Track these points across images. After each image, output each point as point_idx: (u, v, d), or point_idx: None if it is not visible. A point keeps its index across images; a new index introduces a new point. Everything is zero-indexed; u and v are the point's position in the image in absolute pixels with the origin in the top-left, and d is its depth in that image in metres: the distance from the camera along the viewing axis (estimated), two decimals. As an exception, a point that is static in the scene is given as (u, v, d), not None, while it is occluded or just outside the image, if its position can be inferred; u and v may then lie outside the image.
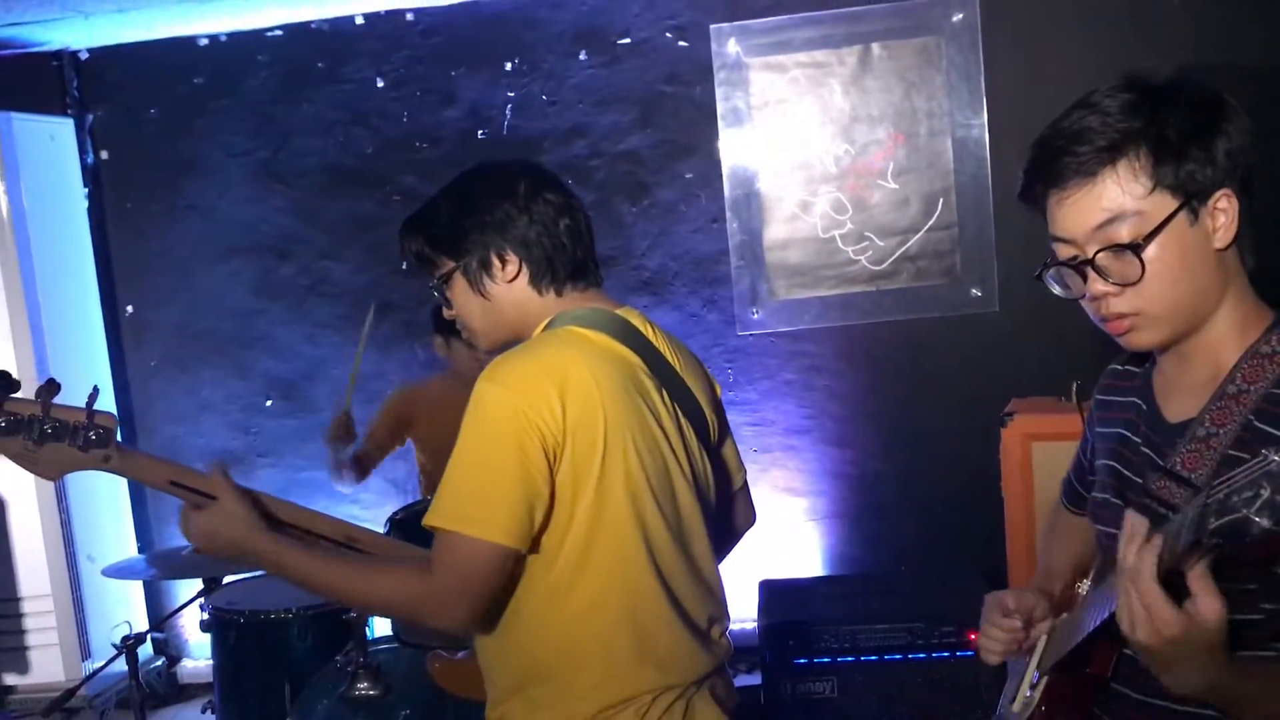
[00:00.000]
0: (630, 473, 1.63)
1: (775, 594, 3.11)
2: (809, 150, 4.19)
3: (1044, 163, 1.32)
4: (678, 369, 1.79)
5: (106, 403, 4.44)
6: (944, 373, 4.21)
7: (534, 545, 1.63)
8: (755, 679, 3.00)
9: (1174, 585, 1.14)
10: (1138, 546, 1.16)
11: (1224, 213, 1.28)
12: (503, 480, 1.56)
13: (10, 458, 1.68)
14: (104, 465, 1.71)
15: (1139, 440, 1.42)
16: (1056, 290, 1.38)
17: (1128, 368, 1.53)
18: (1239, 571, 1.17)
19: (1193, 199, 1.27)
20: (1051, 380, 3.68)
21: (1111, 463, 1.46)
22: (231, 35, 4.40)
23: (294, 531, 1.77)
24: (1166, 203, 1.27)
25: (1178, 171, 1.26)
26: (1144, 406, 1.44)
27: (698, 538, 1.77)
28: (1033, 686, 1.45)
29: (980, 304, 4.17)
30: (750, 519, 2.07)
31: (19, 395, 1.67)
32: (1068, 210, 1.31)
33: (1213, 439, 1.28)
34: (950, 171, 4.15)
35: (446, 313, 1.86)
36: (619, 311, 1.77)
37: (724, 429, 1.94)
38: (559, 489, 1.60)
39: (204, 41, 4.42)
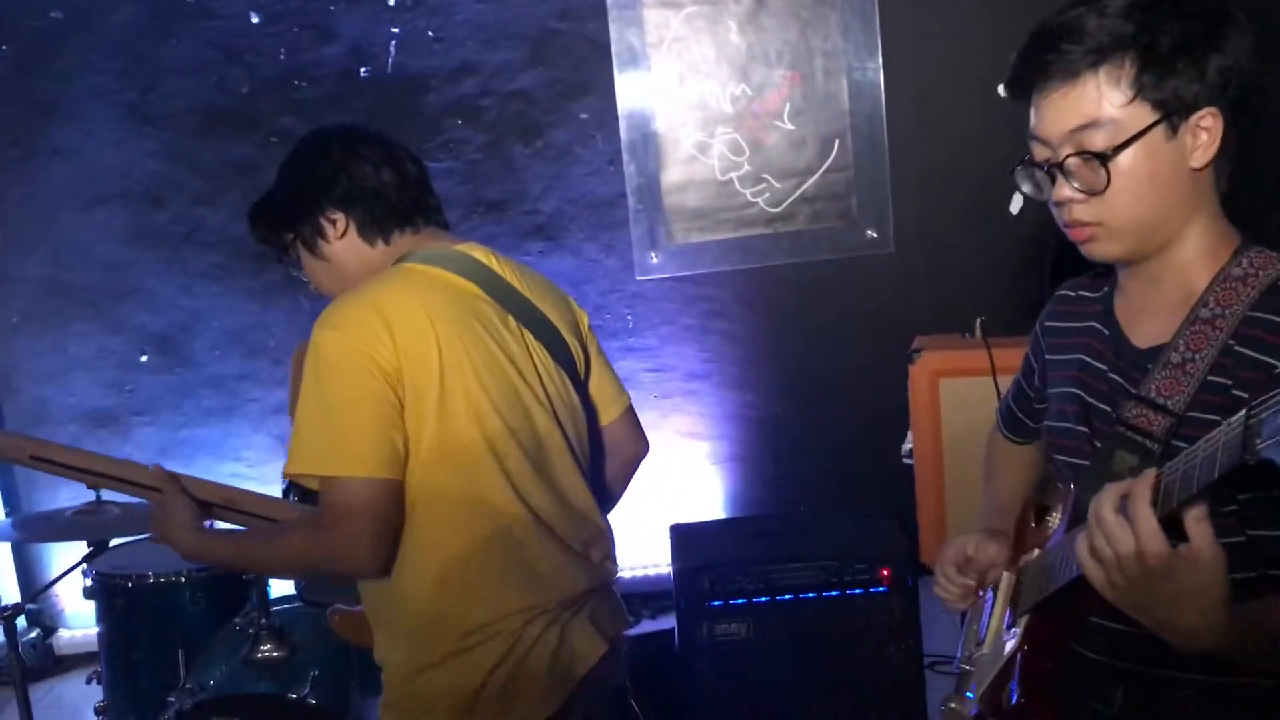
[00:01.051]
0: (471, 395, 1.67)
1: (686, 537, 3.08)
2: (705, 90, 4.13)
3: (1033, 55, 1.29)
4: (527, 295, 1.84)
5: (-35, 361, 4.16)
6: (842, 315, 4.23)
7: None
8: (670, 623, 2.97)
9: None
10: (1119, 485, 1.11)
11: (1206, 131, 1.25)
12: (358, 415, 1.60)
13: None
14: None
15: (1104, 367, 1.39)
16: (1025, 189, 1.34)
17: (1080, 293, 1.49)
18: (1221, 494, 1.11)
19: (1173, 114, 1.23)
20: (949, 320, 3.72)
21: (1074, 390, 1.42)
22: (91, -34, 4.11)
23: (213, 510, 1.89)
24: (1144, 114, 1.23)
25: (1161, 84, 1.23)
26: (1106, 332, 1.41)
27: (558, 458, 1.79)
28: (1009, 628, 1.42)
29: (876, 245, 4.19)
30: (641, 448, 2.08)
31: None
32: (1046, 109, 1.28)
33: (1189, 364, 1.24)
34: (846, 113, 4.14)
35: (310, 287, 1.96)
36: (458, 247, 1.84)
37: (595, 357, 1.99)
38: (406, 417, 1.64)
39: (61, -28, 4.12)
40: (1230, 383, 1.21)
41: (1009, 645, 1.38)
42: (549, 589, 1.73)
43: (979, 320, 3.15)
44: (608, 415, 2.00)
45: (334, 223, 1.83)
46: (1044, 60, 1.27)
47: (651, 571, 4.07)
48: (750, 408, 4.33)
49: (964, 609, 1.63)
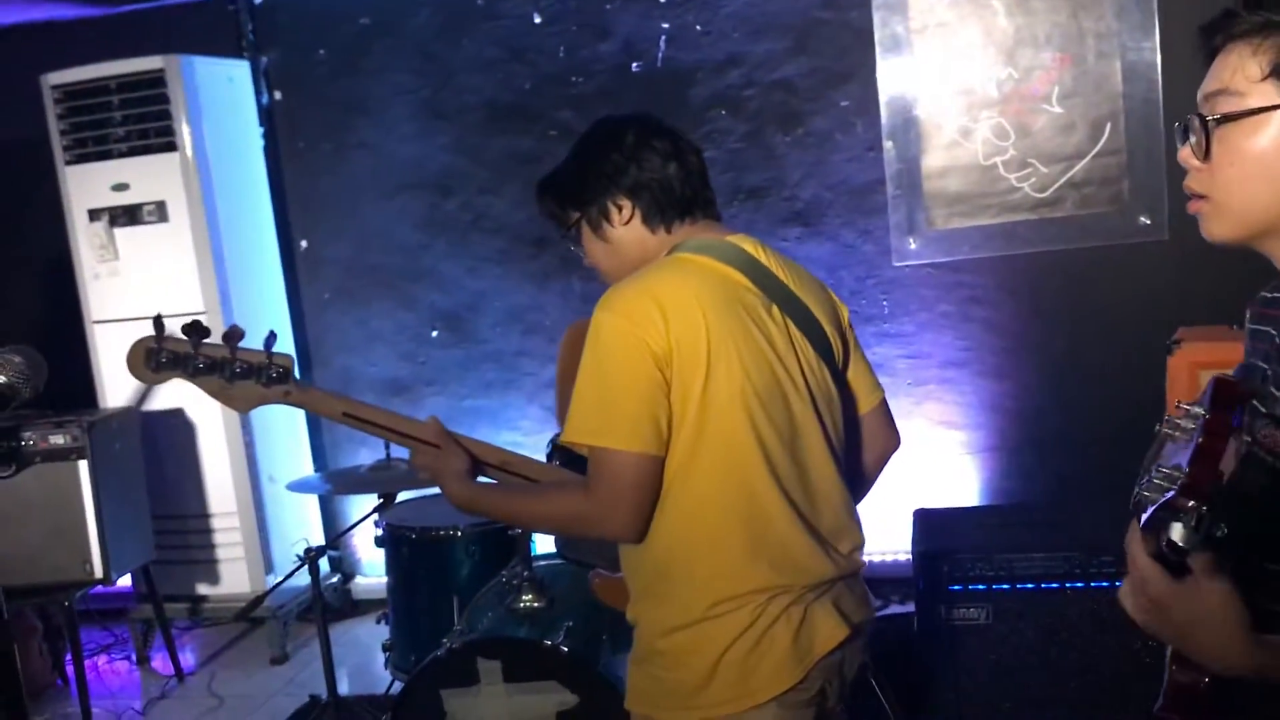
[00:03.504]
0: (735, 380, 1.75)
1: (929, 522, 3.11)
2: (970, 75, 4.09)
3: (1228, 10, 1.27)
4: (791, 287, 1.90)
5: (284, 334, 4.69)
6: (1110, 304, 4.09)
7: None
8: (909, 607, 3.01)
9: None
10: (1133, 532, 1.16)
11: None
12: (630, 394, 1.72)
13: (210, 394, 1.92)
14: (285, 399, 1.95)
15: (1272, 374, 1.33)
16: (1178, 143, 1.32)
17: (1275, 295, 1.42)
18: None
19: None
20: (1223, 310, 3.52)
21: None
22: (394, -24, 4.52)
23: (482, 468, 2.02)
24: (1270, 95, 1.20)
25: None
26: (1277, 337, 1.35)
27: (813, 448, 1.85)
28: None
29: (1149, 232, 4.02)
30: (893, 441, 2.11)
31: (209, 340, 1.90)
32: (1211, 68, 1.27)
33: None
34: (1119, 95, 4.00)
35: (585, 261, 2.05)
36: (730, 238, 1.91)
37: (853, 349, 2.03)
38: (674, 398, 1.74)
39: (365, -18, 4.56)
40: None
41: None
42: (797, 572, 1.79)
43: (1248, 311, 2.99)
44: (863, 407, 2.04)
45: (621, 209, 1.92)
46: (1224, 19, 1.26)
47: (901, 557, 4.08)
48: (1009, 398, 4.25)
49: None
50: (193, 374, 1.89)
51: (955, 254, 4.20)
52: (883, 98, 4.16)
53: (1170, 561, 1.11)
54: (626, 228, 1.94)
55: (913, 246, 4.23)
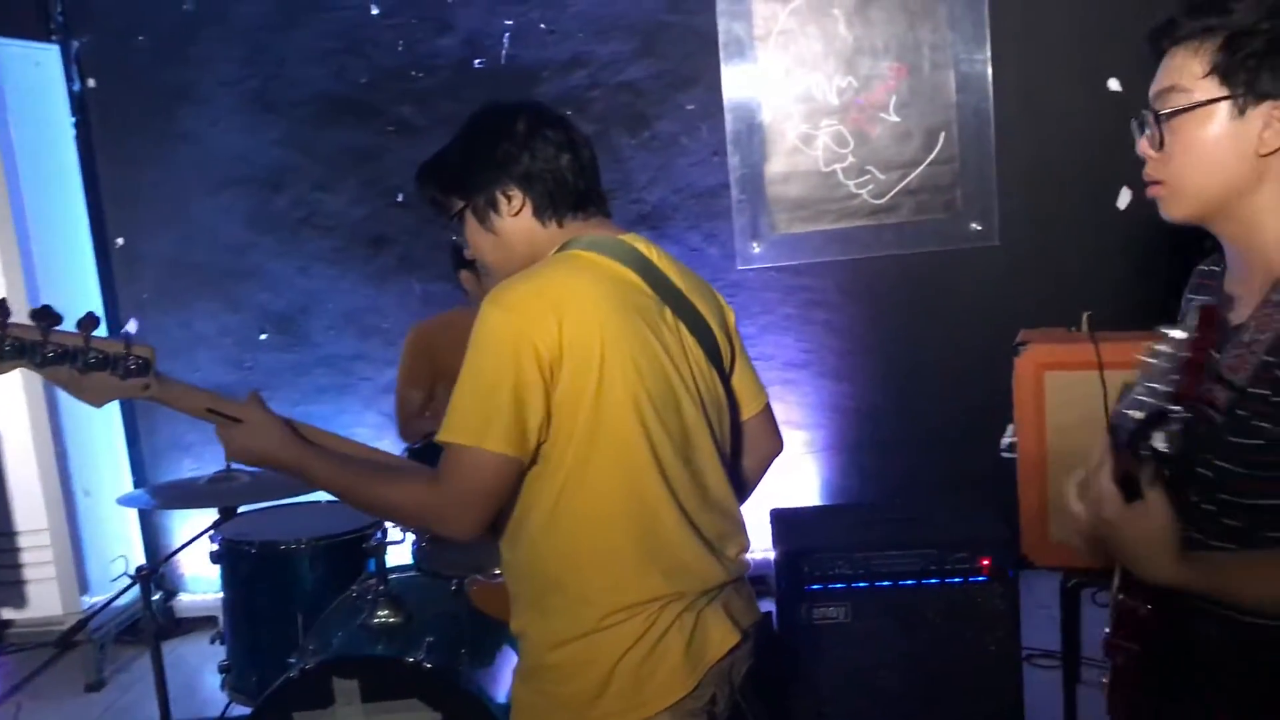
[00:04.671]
0: (630, 385, 1.69)
1: (786, 522, 3.14)
2: (811, 82, 4.17)
3: (1171, 17, 1.40)
4: (683, 290, 1.86)
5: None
6: (944, 307, 4.24)
7: (538, 458, 1.70)
8: (769, 605, 3.02)
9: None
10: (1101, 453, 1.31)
11: (1277, 121, 1.34)
12: (497, 393, 1.65)
13: (60, 384, 1.78)
14: (144, 394, 1.80)
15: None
16: (1135, 137, 1.45)
17: (1211, 267, 1.58)
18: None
19: (1241, 97, 1.34)
20: (1054, 313, 3.68)
21: None
22: (223, -40, 4.30)
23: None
24: (1212, 89, 1.35)
25: (1237, 67, 1.33)
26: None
27: (703, 452, 1.82)
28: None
29: (981, 238, 4.19)
30: (776, 445, 2.11)
31: (62, 328, 1.76)
32: (1160, 68, 1.42)
33: (1254, 344, 1.32)
34: (953, 105, 4.15)
35: (466, 252, 1.95)
36: (622, 237, 1.85)
37: (739, 354, 2.00)
38: (560, 403, 1.68)
39: (194, -34, 4.32)
40: (1278, 363, 1.31)
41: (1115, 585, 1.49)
42: (689, 579, 1.76)
43: (1085, 315, 3.13)
44: (747, 411, 2.01)
45: (510, 199, 1.83)
46: (1168, 25, 1.40)
47: (752, 556, 4.11)
48: (848, 398, 4.36)
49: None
50: (41, 363, 1.73)
51: (797, 258, 4.28)
52: (727, 103, 4.20)
53: (1128, 488, 1.27)
54: (515, 219, 1.85)
55: (756, 250, 4.28)
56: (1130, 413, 1.21)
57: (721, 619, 1.80)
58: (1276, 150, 1.35)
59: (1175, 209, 1.43)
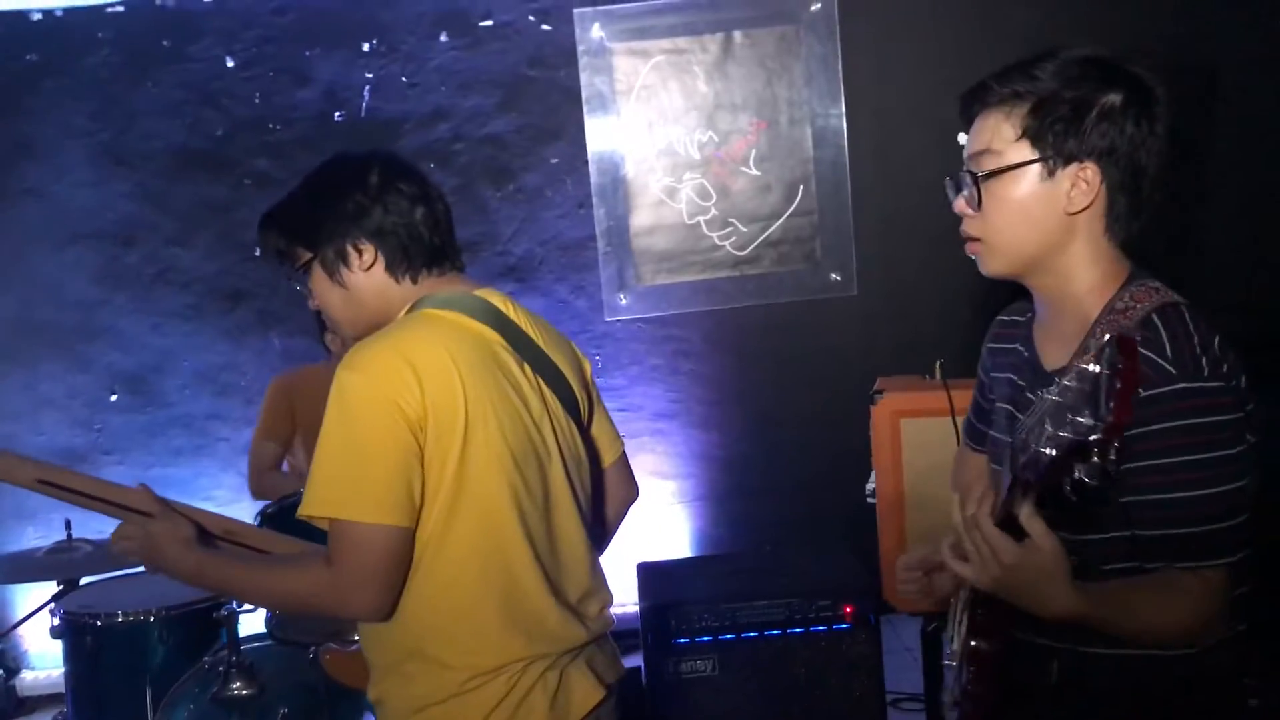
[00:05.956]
0: (493, 445, 1.66)
1: (653, 575, 3.13)
2: (673, 136, 4.23)
3: (982, 82, 1.47)
4: (541, 344, 1.84)
5: (-66, 400, 4.16)
6: (807, 355, 4.31)
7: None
8: (637, 660, 3.00)
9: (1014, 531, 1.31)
10: (974, 499, 1.35)
11: (1086, 183, 1.42)
12: (379, 462, 1.59)
13: None
14: None
15: (1024, 385, 1.55)
16: (950, 195, 1.52)
17: (1013, 317, 1.66)
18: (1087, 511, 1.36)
19: (1050, 159, 1.41)
20: (910, 360, 3.79)
21: (1007, 406, 1.59)
22: (68, 10, 4.16)
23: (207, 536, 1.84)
24: (1024, 152, 1.43)
25: (1045, 131, 1.41)
26: (1025, 354, 1.58)
27: (564, 510, 1.79)
28: (958, 627, 1.52)
29: (840, 288, 4.28)
30: (632, 493, 2.10)
31: None
32: (972, 130, 1.49)
33: None
34: (810, 159, 4.25)
35: (311, 304, 1.88)
36: (478, 293, 1.82)
37: (596, 404, 1.99)
38: (425, 465, 1.64)
39: (37, 16, 4.16)
40: None
41: (959, 642, 1.50)
42: (551, 641, 1.73)
43: (938, 362, 3.22)
44: (605, 461, 2.00)
45: (361, 253, 1.77)
46: (979, 89, 1.48)
47: (619, 610, 4.09)
48: (717, 447, 4.39)
49: (926, 607, 1.78)
50: None
51: (663, 309, 4.31)
52: (591, 156, 4.22)
53: (1012, 529, 1.30)
54: (367, 274, 1.78)
55: (623, 302, 4.30)
56: (1042, 449, 1.21)
57: (585, 676, 1.77)
58: (1084, 209, 1.43)
59: (993, 265, 1.50)
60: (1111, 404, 1.14)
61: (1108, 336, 1.18)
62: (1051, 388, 1.21)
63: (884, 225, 4.27)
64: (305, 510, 1.61)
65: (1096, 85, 1.42)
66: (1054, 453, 1.19)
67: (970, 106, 1.49)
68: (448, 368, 1.65)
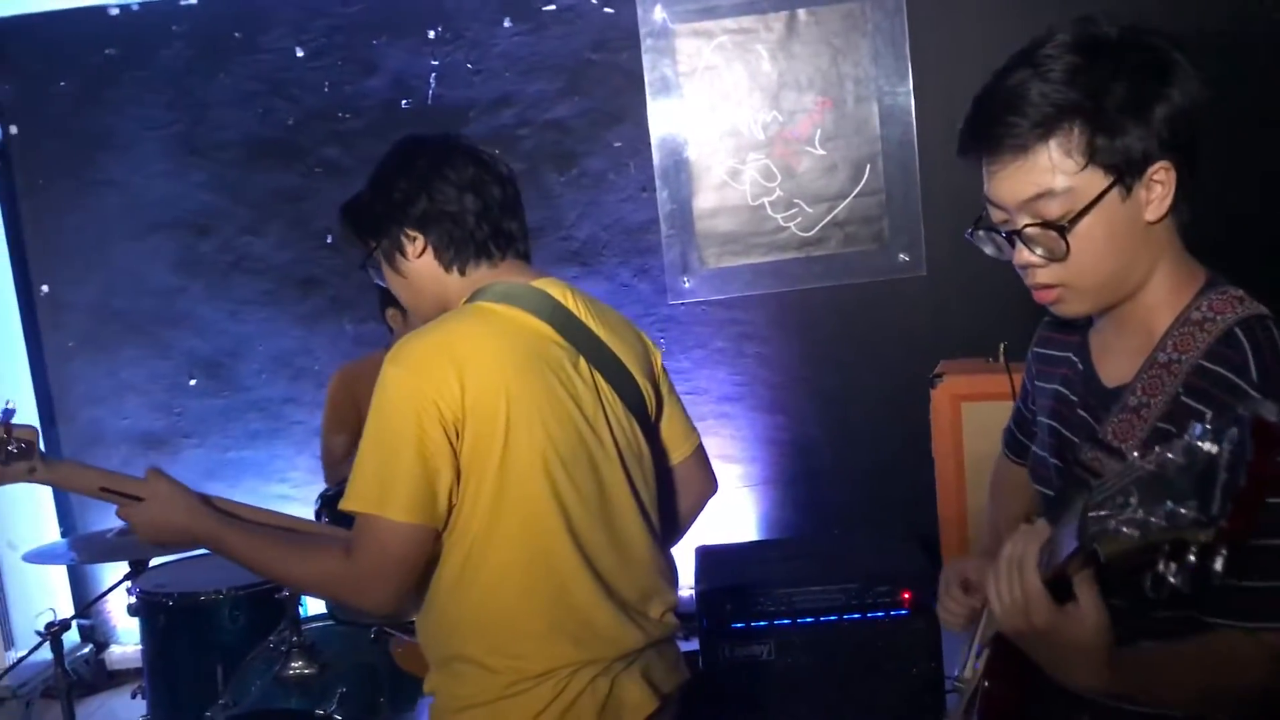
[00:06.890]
0: (537, 446, 1.64)
1: (711, 559, 3.13)
2: (737, 117, 4.19)
3: (981, 126, 1.28)
4: (602, 337, 1.79)
5: (24, 387, 4.32)
6: (873, 337, 4.25)
7: (447, 523, 1.65)
8: (693, 645, 3.00)
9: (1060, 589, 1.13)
10: (1023, 536, 1.16)
11: (1161, 184, 1.24)
12: (399, 458, 1.59)
13: None
14: (30, 477, 1.82)
15: (1076, 400, 1.39)
16: (987, 250, 1.34)
17: (1065, 322, 1.47)
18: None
19: (1126, 175, 1.23)
20: (979, 342, 3.73)
21: (1052, 422, 1.43)
22: (144, 4, 4.27)
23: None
24: (1098, 180, 1.23)
25: (1113, 147, 1.21)
26: (1080, 366, 1.41)
27: (622, 509, 1.76)
28: (977, 658, 1.44)
29: (908, 268, 4.21)
30: (709, 487, 2.06)
31: None
32: (1001, 180, 1.27)
33: (1144, 409, 1.24)
34: (877, 137, 4.18)
35: (375, 280, 1.91)
36: (536, 283, 1.78)
37: (666, 396, 1.94)
38: (465, 465, 1.62)
39: (115, 11, 4.28)
40: (1176, 431, 1.16)
41: (974, 677, 1.40)
42: (601, 645, 1.70)
43: (1002, 345, 3.17)
44: (678, 454, 1.95)
45: (413, 241, 1.77)
46: (993, 134, 1.26)
47: (683, 593, 4.10)
48: (783, 430, 4.36)
49: (963, 629, 1.61)
50: None
51: (728, 291, 4.28)
52: (654, 139, 4.21)
53: (1058, 587, 1.11)
54: (421, 262, 1.78)
55: (687, 285, 4.28)
56: (1123, 528, 0.96)
57: (639, 684, 1.73)
58: (1163, 215, 1.26)
59: (1082, 306, 1.31)
60: (1230, 506, 0.87)
61: (1240, 413, 0.87)
62: (1148, 454, 0.95)
63: (954, 204, 4.17)
64: (344, 504, 1.64)
65: (1132, 70, 1.22)
66: (1137, 534, 0.94)
67: (991, 151, 1.27)
68: (491, 366, 1.63)
